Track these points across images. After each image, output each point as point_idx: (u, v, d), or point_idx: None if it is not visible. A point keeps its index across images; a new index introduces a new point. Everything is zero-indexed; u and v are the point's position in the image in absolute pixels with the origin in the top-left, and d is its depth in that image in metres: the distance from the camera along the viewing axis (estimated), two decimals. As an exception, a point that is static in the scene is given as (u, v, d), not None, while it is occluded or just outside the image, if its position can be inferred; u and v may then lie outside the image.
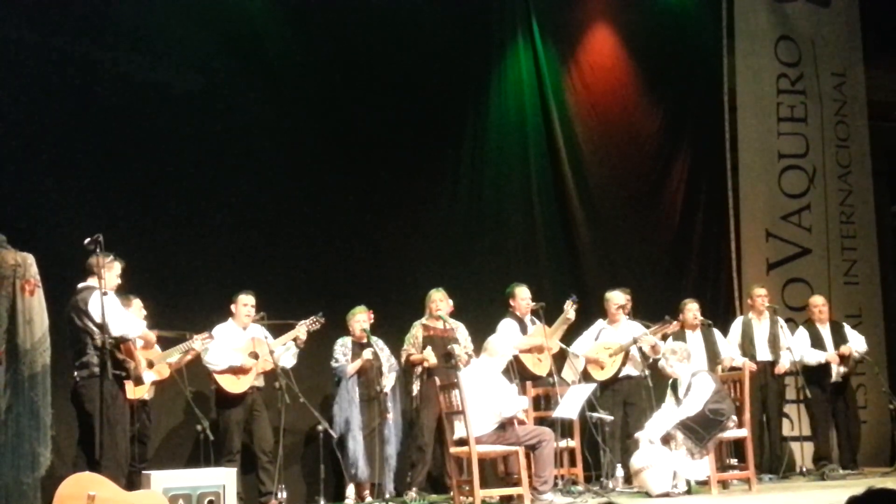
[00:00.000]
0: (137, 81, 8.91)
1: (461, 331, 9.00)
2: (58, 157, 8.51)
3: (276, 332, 8.52)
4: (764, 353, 9.98)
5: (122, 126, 8.78)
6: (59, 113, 8.55)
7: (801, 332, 10.26)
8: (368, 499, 8.59)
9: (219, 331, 8.25)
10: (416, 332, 8.93)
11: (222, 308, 8.46)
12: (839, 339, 10.19)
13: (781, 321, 10.17)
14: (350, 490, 8.65)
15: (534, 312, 9.15)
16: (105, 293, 6.70)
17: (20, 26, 8.46)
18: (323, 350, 8.79)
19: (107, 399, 6.63)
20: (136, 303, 7.83)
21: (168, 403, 8.45)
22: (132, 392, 7.36)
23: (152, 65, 9.00)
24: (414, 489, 8.68)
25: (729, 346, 9.94)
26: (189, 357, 8.06)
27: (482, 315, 9.44)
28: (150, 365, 7.69)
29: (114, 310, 6.84)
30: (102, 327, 6.69)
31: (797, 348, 10.01)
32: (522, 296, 9.18)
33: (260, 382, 8.37)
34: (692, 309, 9.78)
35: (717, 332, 9.86)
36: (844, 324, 10.49)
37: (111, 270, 7.04)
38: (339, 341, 8.78)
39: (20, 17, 8.47)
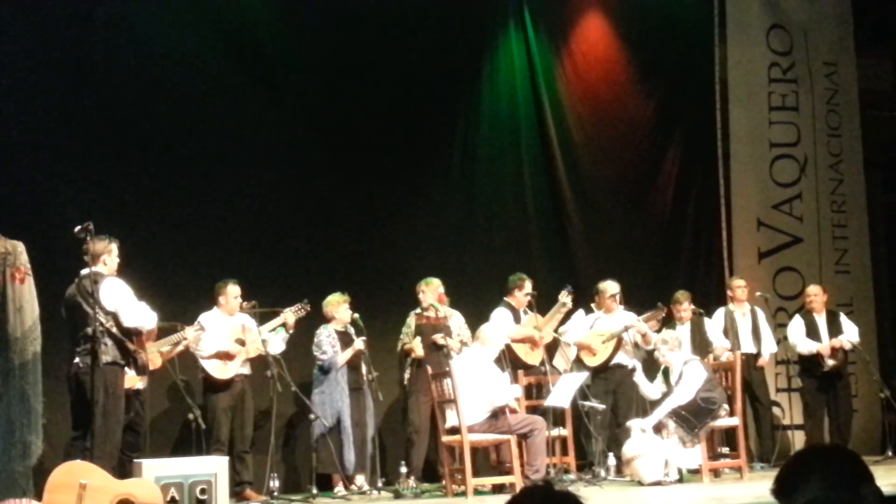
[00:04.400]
0: (127, 74, 8.87)
1: (456, 318, 8.99)
2: (48, 146, 8.47)
3: (262, 320, 8.48)
4: (748, 345, 10.00)
5: (112, 117, 8.74)
6: (50, 104, 8.52)
7: (797, 320, 10.28)
8: (364, 487, 8.56)
9: (204, 319, 8.23)
10: (410, 321, 8.93)
11: (209, 296, 8.45)
12: (835, 328, 10.20)
13: (760, 312, 10.19)
14: (339, 479, 8.63)
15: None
16: (96, 280, 6.69)
17: (17, 23, 8.42)
18: (312, 339, 8.74)
19: (108, 388, 6.63)
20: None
21: (155, 392, 8.42)
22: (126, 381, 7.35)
23: (144, 58, 8.96)
24: (412, 477, 8.65)
25: (720, 335, 9.96)
26: (180, 348, 8.04)
27: (475, 304, 9.43)
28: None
29: (128, 300, 6.87)
30: (114, 315, 6.73)
31: (769, 339, 10.07)
32: (529, 290, 9.06)
33: (247, 370, 8.36)
34: (680, 308, 9.78)
35: (707, 322, 9.88)
36: (840, 313, 10.50)
37: (111, 254, 7.03)
38: (324, 332, 8.64)
39: (18, 15, 8.44)
